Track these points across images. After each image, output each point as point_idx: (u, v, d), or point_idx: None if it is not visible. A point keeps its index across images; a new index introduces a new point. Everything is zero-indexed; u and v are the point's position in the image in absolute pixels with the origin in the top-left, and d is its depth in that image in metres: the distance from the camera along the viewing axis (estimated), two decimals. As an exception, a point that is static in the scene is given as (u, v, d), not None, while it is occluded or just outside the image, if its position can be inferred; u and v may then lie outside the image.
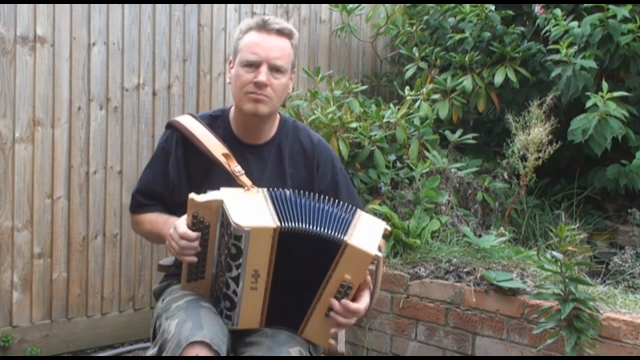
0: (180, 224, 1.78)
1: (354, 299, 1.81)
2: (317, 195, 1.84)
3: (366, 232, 1.79)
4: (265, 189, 1.84)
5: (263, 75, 1.89)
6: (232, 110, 2.05)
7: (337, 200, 1.85)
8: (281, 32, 1.93)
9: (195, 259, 1.79)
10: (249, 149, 2.01)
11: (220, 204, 1.75)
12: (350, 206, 1.85)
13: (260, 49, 1.90)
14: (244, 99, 1.93)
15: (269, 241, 1.71)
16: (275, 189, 1.84)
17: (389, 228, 1.89)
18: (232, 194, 1.79)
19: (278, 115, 2.08)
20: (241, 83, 1.92)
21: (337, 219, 1.78)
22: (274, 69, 1.91)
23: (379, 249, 1.78)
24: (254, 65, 1.90)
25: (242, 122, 2.01)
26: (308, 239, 1.74)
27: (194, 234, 1.76)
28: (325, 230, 1.74)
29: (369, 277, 1.87)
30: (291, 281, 1.79)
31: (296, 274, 1.79)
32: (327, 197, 1.84)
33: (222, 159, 1.92)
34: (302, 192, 1.83)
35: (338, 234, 1.74)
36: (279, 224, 1.71)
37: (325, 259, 1.75)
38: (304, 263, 1.77)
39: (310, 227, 1.74)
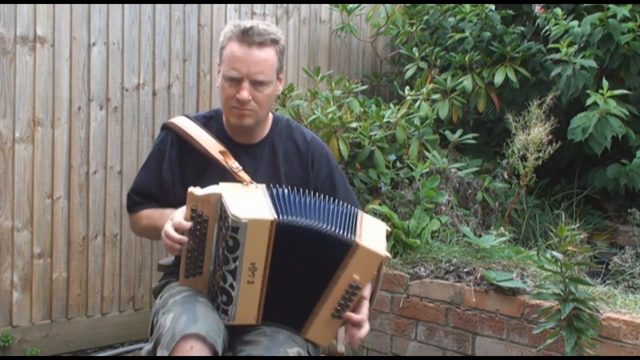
0: (177, 215, 1.80)
1: (355, 306, 1.82)
2: (313, 193, 1.85)
3: (373, 233, 1.82)
4: (264, 185, 1.86)
5: (245, 92, 1.88)
6: None
7: (334, 198, 1.86)
8: (263, 44, 1.89)
9: (177, 246, 1.78)
10: (242, 149, 2.02)
11: (219, 198, 1.76)
12: (350, 205, 1.86)
13: (241, 65, 1.88)
14: (229, 112, 1.95)
15: (266, 234, 1.72)
16: (273, 185, 1.85)
17: (389, 229, 1.91)
18: (231, 188, 1.81)
19: (270, 115, 2.09)
20: (225, 97, 1.93)
21: (342, 218, 1.79)
22: (257, 83, 1.90)
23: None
24: (235, 81, 1.89)
25: (233, 124, 2.02)
26: (311, 236, 1.75)
27: (188, 224, 1.76)
28: (333, 229, 1.75)
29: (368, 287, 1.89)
30: (293, 278, 1.79)
31: (299, 272, 1.79)
32: (324, 195, 1.85)
33: (219, 157, 1.93)
34: (299, 189, 1.84)
35: (348, 234, 1.75)
36: (276, 216, 1.72)
37: (333, 258, 1.76)
38: (307, 260, 1.78)
39: (315, 224, 1.74)
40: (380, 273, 1.89)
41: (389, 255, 1.79)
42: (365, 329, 1.83)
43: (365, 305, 1.86)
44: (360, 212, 1.87)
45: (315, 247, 1.76)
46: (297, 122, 2.24)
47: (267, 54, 1.90)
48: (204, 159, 1.97)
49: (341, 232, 1.75)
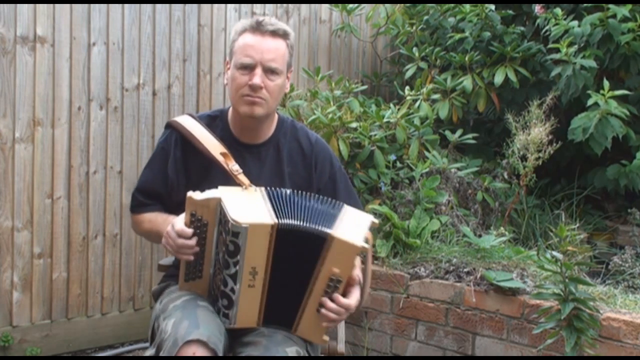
0: (178, 222, 1.79)
1: (343, 294, 1.81)
2: (312, 194, 1.85)
3: (352, 225, 1.80)
4: (262, 188, 1.85)
5: (257, 77, 1.90)
6: (231, 110, 2.06)
7: (323, 197, 1.85)
8: (275, 33, 1.93)
9: (191, 257, 1.79)
10: (247, 149, 2.02)
11: (218, 202, 1.75)
12: (336, 202, 1.86)
13: (254, 52, 1.90)
14: (239, 101, 1.94)
15: (267, 238, 1.72)
16: (273, 188, 1.84)
17: (377, 221, 1.89)
18: (230, 192, 1.80)
19: (276, 115, 2.09)
20: (237, 86, 1.93)
21: (324, 214, 1.79)
22: (269, 71, 1.92)
23: (366, 241, 1.78)
24: (248, 68, 1.91)
25: (240, 123, 2.02)
26: (300, 236, 1.75)
27: (190, 231, 1.76)
28: (312, 225, 1.75)
29: (359, 272, 1.88)
30: (286, 279, 1.79)
31: (289, 272, 1.79)
32: (318, 196, 1.85)
33: (220, 158, 1.93)
34: (299, 191, 1.84)
35: (324, 228, 1.75)
36: (276, 220, 1.72)
37: (314, 254, 1.76)
38: (296, 260, 1.78)
39: (300, 223, 1.75)
40: (367, 266, 1.87)
41: (365, 245, 1.76)
42: (341, 317, 1.80)
43: (354, 295, 1.83)
44: (344, 207, 1.86)
45: (305, 246, 1.76)
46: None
47: (279, 44, 1.94)
48: (207, 160, 1.96)
49: (318, 227, 1.75)
